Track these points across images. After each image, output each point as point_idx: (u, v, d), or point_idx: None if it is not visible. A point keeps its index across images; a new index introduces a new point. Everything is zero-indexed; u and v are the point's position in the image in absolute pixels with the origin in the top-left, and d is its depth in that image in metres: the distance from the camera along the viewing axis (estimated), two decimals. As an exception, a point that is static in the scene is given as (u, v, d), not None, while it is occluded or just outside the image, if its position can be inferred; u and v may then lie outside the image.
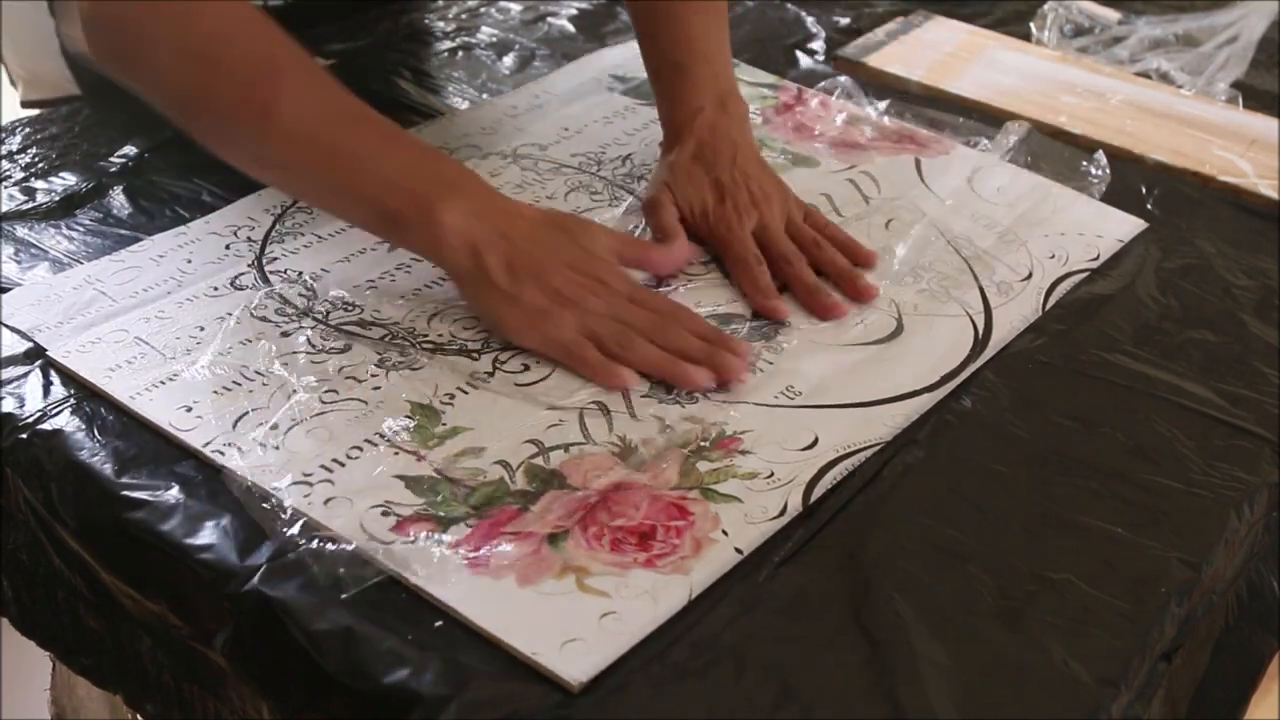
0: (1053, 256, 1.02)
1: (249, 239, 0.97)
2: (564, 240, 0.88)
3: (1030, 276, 0.99)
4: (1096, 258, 1.02)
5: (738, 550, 0.73)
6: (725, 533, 0.74)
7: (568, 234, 0.88)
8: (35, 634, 0.85)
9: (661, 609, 0.69)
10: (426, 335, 0.87)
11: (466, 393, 0.83)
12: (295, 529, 0.72)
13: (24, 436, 0.79)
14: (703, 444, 0.80)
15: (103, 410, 0.81)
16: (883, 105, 1.20)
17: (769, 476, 0.78)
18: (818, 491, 0.77)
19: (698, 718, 0.64)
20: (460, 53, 1.29)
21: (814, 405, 0.84)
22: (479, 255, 0.84)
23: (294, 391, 0.81)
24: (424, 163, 0.88)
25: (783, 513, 0.76)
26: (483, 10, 1.37)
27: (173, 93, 0.86)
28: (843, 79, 1.22)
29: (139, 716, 0.90)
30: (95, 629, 0.80)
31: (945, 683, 0.67)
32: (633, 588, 0.70)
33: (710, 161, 1.01)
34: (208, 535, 0.72)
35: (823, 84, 1.22)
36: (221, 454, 0.77)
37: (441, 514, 0.73)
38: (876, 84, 1.28)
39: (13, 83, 1.27)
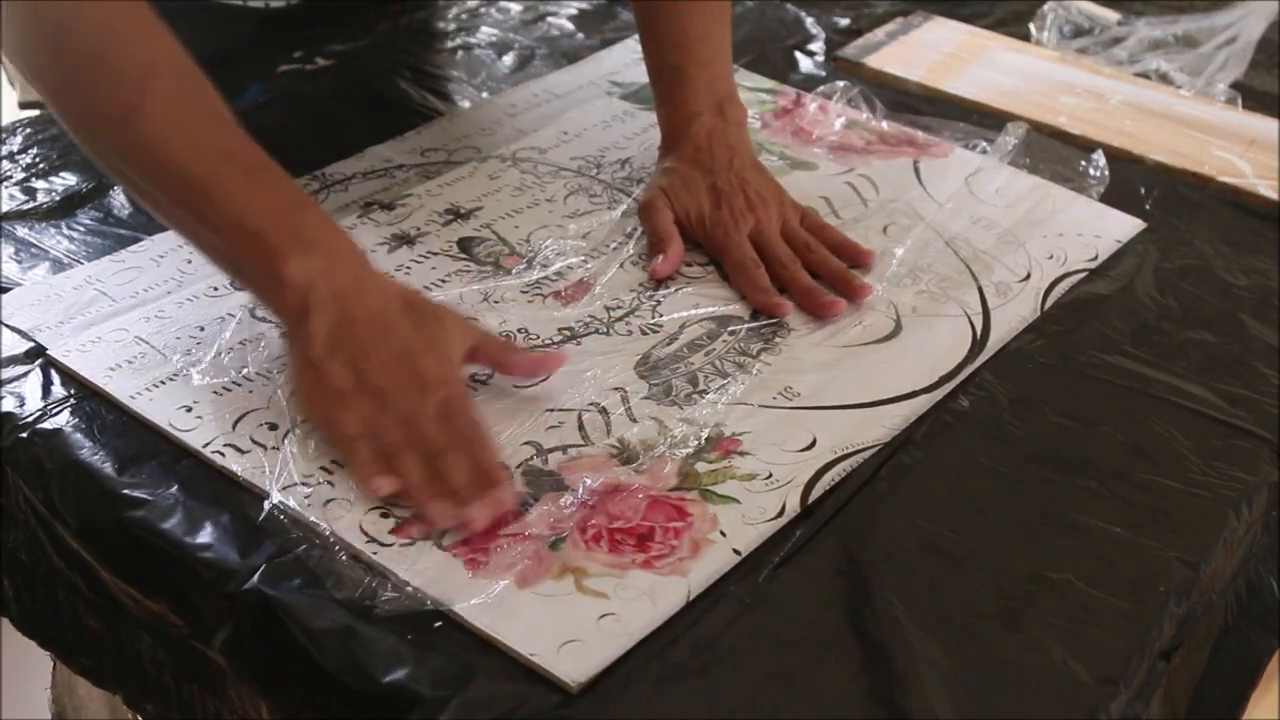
0: (1051, 257, 1.02)
1: (249, 239, 0.97)
2: (407, 329, 0.80)
3: (1029, 277, 0.99)
4: (1095, 258, 1.02)
5: (736, 551, 0.73)
6: (723, 534, 0.74)
7: (415, 322, 0.81)
8: (35, 634, 0.85)
9: (660, 610, 0.69)
10: (426, 336, 0.87)
11: (465, 394, 0.83)
12: (295, 531, 0.72)
13: (24, 435, 0.79)
14: (701, 445, 0.80)
15: (103, 410, 0.81)
16: (881, 110, 1.20)
17: (767, 478, 0.78)
18: (816, 492, 0.78)
19: (697, 718, 0.64)
20: (460, 52, 1.29)
21: (812, 406, 0.84)
22: (305, 318, 0.78)
23: (294, 392, 0.81)
24: (285, 211, 0.81)
25: (781, 514, 0.76)
26: (483, 10, 1.38)
27: (45, 85, 0.81)
28: (841, 83, 1.22)
29: (139, 717, 0.90)
30: (95, 629, 0.80)
31: (944, 683, 0.67)
32: (631, 589, 0.70)
33: (707, 166, 1.02)
34: (208, 534, 0.73)
35: (821, 88, 1.22)
36: (221, 454, 0.77)
37: (440, 515, 0.74)
38: (876, 85, 1.28)
39: (11, 83, 1.27)
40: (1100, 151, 1.14)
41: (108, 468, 0.77)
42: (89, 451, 0.78)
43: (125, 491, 0.75)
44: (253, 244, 0.79)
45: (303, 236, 0.79)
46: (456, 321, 0.84)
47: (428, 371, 0.79)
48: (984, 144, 1.15)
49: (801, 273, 0.96)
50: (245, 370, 0.83)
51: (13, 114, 1.19)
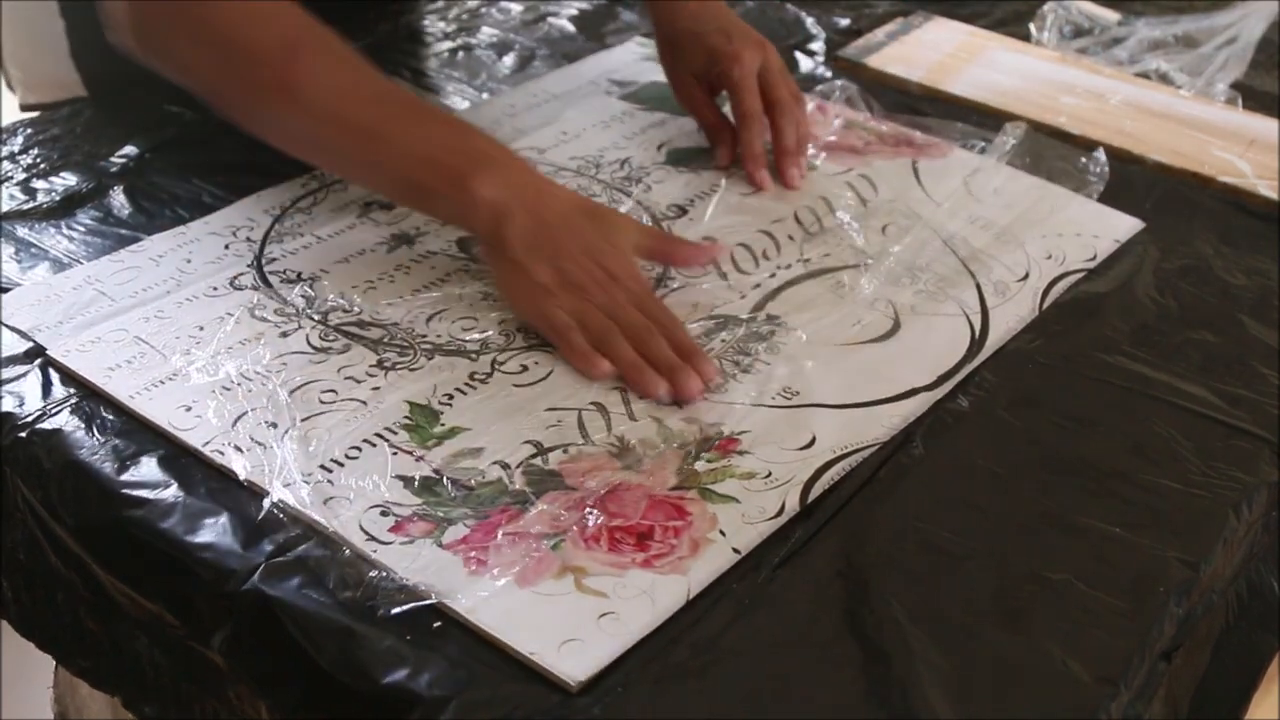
0: (1049, 257, 1.02)
1: (248, 239, 0.97)
2: (589, 228, 0.90)
3: (1027, 277, 0.99)
4: (1094, 258, 1.02)
5: (735, 551, 0.73)
6: (723, 533, 0.74)
7: (594, 223, 0.91)
8: (34, 635, 0.85)
9: (660, 609, 0.69)
10: (425, 336, 0.88)
11: (465, 393, 0.83)
12: (295, 529, 0.72)
13: (23, 435, 0.79)
14: (700, 444, 0.80)
15: (102, 410, 0.81)
16: (879, 110, 1.20)
17: (767, 476, 0.78)
18: (815, 491, 0.78)
19: (697, 718, 0.64)
20: (460, 53, 1.29)
21: (811, 405, 0.84)
22: (501, 225, 0.88)
23: (293, 391, 0.82)
24: (455, 137, 0.92)
25: (780, 513, 0.76)
26: (483, 10, 1.38)
27: (200, 80, 0.92)
28: (840, 83, 1.22)
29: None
30: (93, 630, 0.80)
31: (944, 683, 0.67)
32: (631, 588, 0.70)
33: (703, 29, 1.13)
34: (207, 534, 0.72)
35: (820, 88, 1.22)
36: (221, 453, 0.77)
37: (440, 514, 0.74)
38: (876, 85, 1.28)
39: (10, 87, 1.27)
40: (1100, 151, 1.14)
41: (107, 468, 0.77)
42: (88, 451, 0.78)
43: (124, 491, 0.75)
44: (437, 172, 0.89)
45: (480, 156, 0.90)
46: (626, 221, 0.95)
47: (615, 265, 0.89)
48: (982, 144, 1.16)
49: (790, 131, 1.09)
50: (245, 370, 0.83)
51: (13, 114, 1.19)
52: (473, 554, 0.71)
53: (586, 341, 0.86)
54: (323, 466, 0.76)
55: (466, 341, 0.87)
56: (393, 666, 0.65)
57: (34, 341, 0.86)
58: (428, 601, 0.68)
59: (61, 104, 1.20)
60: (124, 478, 0.76)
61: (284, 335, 0.87)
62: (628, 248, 0.92)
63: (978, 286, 0.97)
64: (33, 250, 0.95)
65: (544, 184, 0.93)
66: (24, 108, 1.26)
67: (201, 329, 0.87)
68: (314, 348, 0.86)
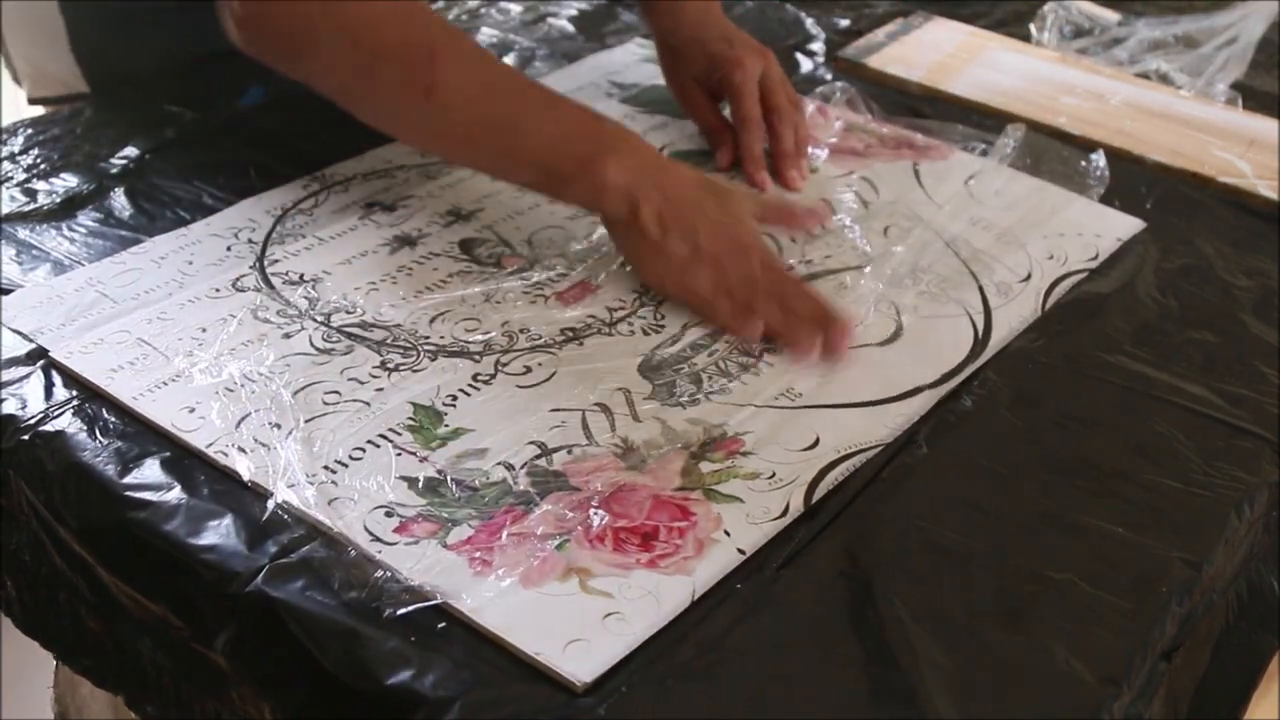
0: (1051, 257, 1.02)
1: (250, 241, 0.97)
2: (712, 202, 0.94)
3: (1029, 277, 0.99)
4: (1095, 257, 1.03)
5: (740, 551, 0.73)
6: (727, 533, 0.74)
7: (715, 197, 0.95)
8: (37, 634, 0.85)
9: (665, 609, 0.69)
10: (428, 337, 0.88)
11: (469, 394, 0.83)
12: (300, 525, 0.72)
13: (26, 438, 0.79)
14: (704, 445, 0.80)
15: (105, 411, 0.81)
16: (878, 112, 1.20)
17: (771, 477, 0.78)
18: (819, 492, 0.78)
19: (701, 718, 0.64)
20: (460, 54, 1.29)
21: (815, 405, 0.84)
22: (635, 207, 0.92)
23: (296, 393, 0.82)
24: (585, 125, 0.96)
25: (785, 513, 0.76)
26: (483, 11, 1.38)
27: (337, 82, 0.94)
28: (840, 85, 1.23)
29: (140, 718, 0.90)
30: (96, 630, 0.79)
31: (947, 683, 0.67)
32: (636, 588, 0.70)
33: (705, 35, 1.16)
34: (210, 536, 0.72)
35: (820, 90, 1.23)
36: (225, 455, 0.77)
37: (444, 515, 0.74)
38: (876, 85, 1.28)
39: (17, 80, 1.27)
40: (1100, 152, 1.14)
41: (110, 470, 0.77)
42: (91, 453, 0.78)
43: (127, 493, 0.75)
44: (569, 159, 0.94)
45: (610, 143, 0.94)
46: (742, 193, 1.04)
47: (743, 236, 0.94)
48: (982, 146, 1.16)
49: (789, 135, 1.12)
50: (248, 371, 0.83)
51: (13, 115, 1.19)
52: (477, 555, 0.71)
53: (734, 308, 0.91)
54: (327, 467, 0.76)
55: (469, 343, 0.87)
56: (397, 667, 0.65)
57: (36, 344, 0.86)
58: (433, 602, 0.68)
59: (67, 99, 1.21)
60: (127, 480, 0.76)
61: (287, 337, 0.87)
62: (747, 217, 0.96)
63: (980, 287, 0.97)
64: (34, 252, 0.95)
65: (667, 164, 0.97)
66: (32, 101, 1.26)
67: (204, 330, 0.87)
68: (317, 349, 0.86)
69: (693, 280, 0.92)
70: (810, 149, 1.14)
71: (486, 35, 1.32)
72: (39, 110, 1.20)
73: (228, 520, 0.73)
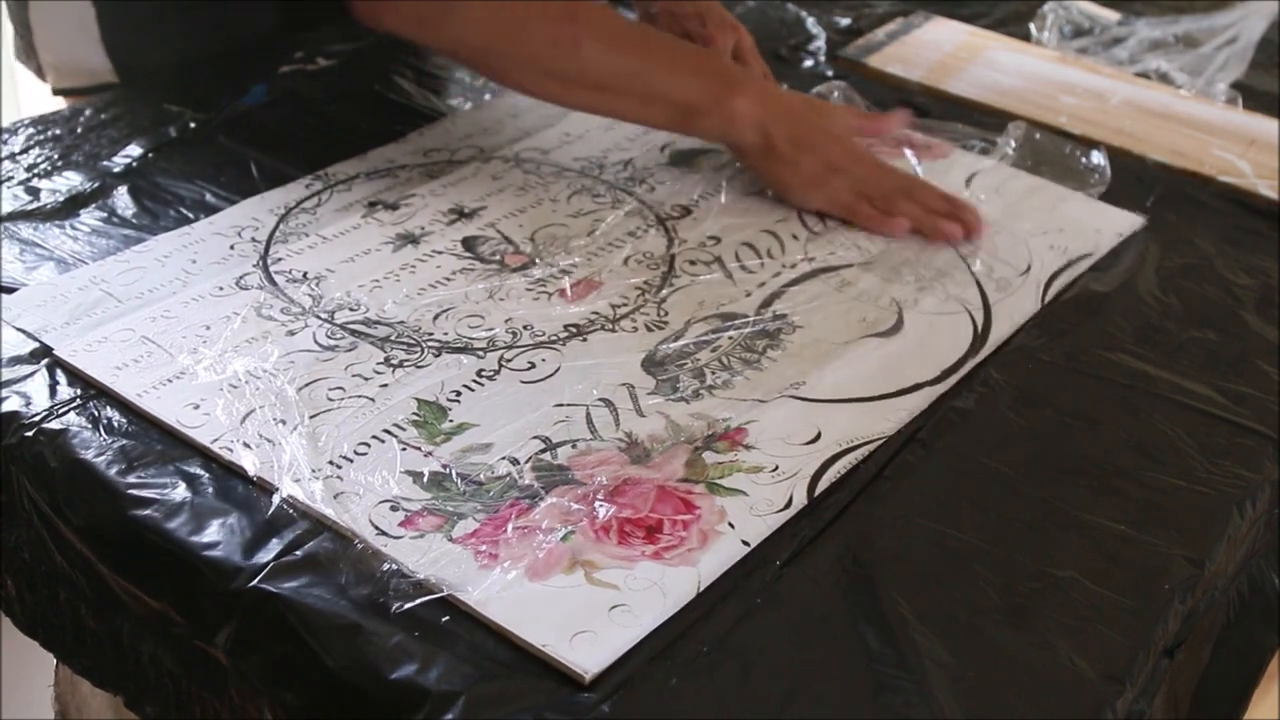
0: (1052, 248, 1.02)
1: (253, 239, 0.97)
2: (824, 120, 1.08)
3: (1029, 270, 1.00)
4: (1096, 250, 1.03)
5: (745, 543, 0.73)
6: (731, 525, 0.74)
7: (823, 116, 1.09)
8: (37, 634, 0.85)
9: (670, 601, 0.69)
10: (432, 334, 0.88)
11: (473, 390, 0.83)
12: (304, 522, 0.72)
13: (29, 435, 0.79)
14: (708, 439, 0.80)
15: (108, 409, 0.81)
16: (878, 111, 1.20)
17: (774, 470, 0.78)
18: (822, 485, 0.78)
19: (705, 716, 0.64)
20: (462, 53, 1.29)
21: (817, 399, 0.85)
22: (767, 132, 1.03)
23: (301, 389, 0.82)
24: (709, 63, 1.08)
25: (788, 505, 0.76)
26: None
27: (481, 43, 1.03)
28: (839, 84, 1.23)
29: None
30: (95, 629, 0.79)
31: (950, 681, 0.67)
32: (641, 580, 0.70)
33: (680, 11, 1.22)
34: (213, 533, 0.72)
35: (818, 89, 1.23)
36: (230, 450, 0.77)
37: (450, 509, 0.74)
38: (877, 85, 1.28)
39: (40, 73, 1.27)
40: (1101, 150, 1.15)
41: (113, 467, 0.77)
42: (94, 451, 0.78)
43: (130, 491, 0.75)
44: (703, 97, 1.04)
45: (734, 79, 1.06)
46: (837, 108, 1.15)
47: (855, 146, 1.07)
48: (981, 144, 1.16)
49: None
50: (252, 368, 0.83)
51: (14, 115, 1.19)
52: (483, 548, 0.71)
53: (874, 210, 1.02)
54: (332, 462, 0.76)
55: (473, 339, 0.88)
56: (400, 663, 0.65)
57: (40, 342, 0.85)
58: (439, 595, 0.68)
59: (94, 89, 1.21)
60: (130, 478, 0.76)
61: (291, 334, 0.87)
62: (847, 131, 1.09)
63: (979, 284, 0.98)
64: (37, 250, 0.95)
65: (779, 92, 1.11)
66: (56, 93, 1.27)
67: (208, 328, 0.87)
68: (321, 346, 0.86)
69: (834, 191, 1.03)
70: None
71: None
72: (37, 111, 1.20)
73: (231, 518, 0.73)
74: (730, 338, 0.90)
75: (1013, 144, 1.15)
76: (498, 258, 0.97)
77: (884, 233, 1.02)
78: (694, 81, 1.04)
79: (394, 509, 0.74)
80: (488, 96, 1.21)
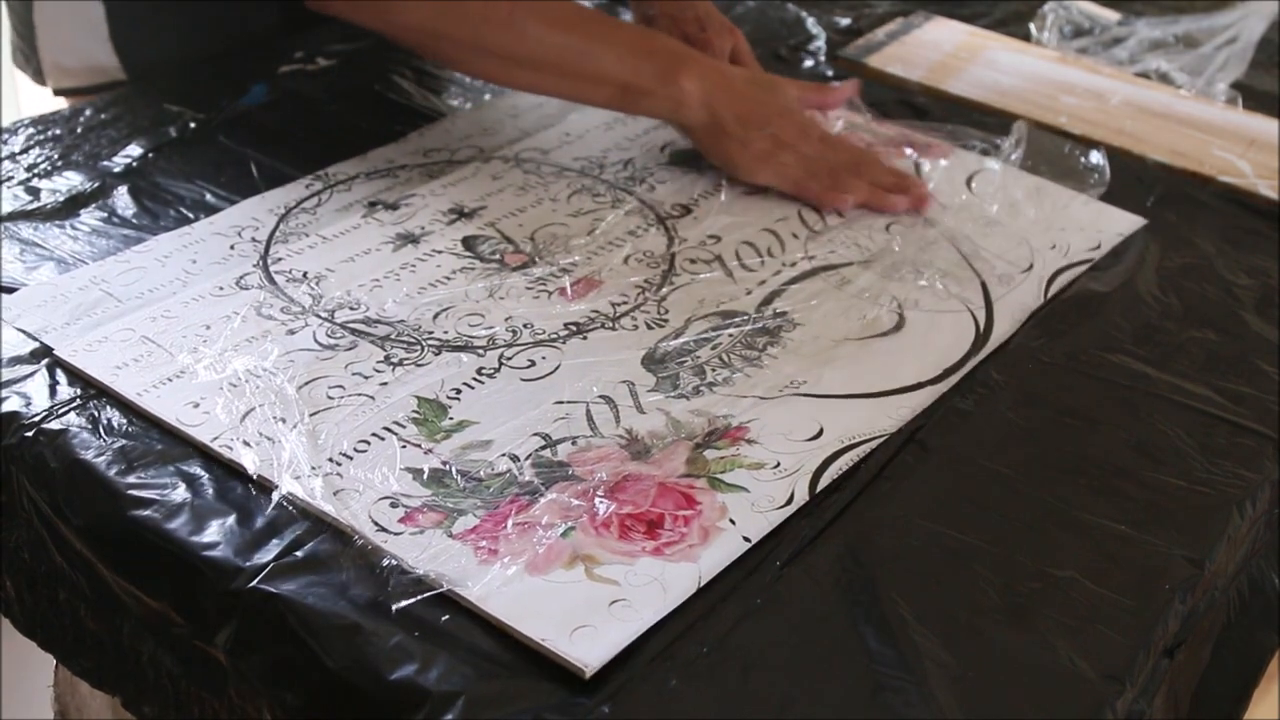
0: (1054, 247, 1.03)
1: (253, 239, 0.97)
2: (770, 95, 1.07)
3: (1031, 268, 1.00)
4: (1098, 247, 1.03)
5: (746, 539, 0.73)
6: (733, 521, 0.74)
7: (769, 91, 1.08)
8: (36, 634, 0.85)
9: (671, 596, 0.69)
10: (432, 333, 0.88)
11: (473, 388, 0.83)
12: (304, 523, 0.72)
13: (29, 435, 0.79)
14: (709, 435, 0.80)
15: (109, 409, 0.81)
16: (875, 114, 1.20)
17: (775, 466, 0.78)
18: (824, 481, 0.78)
19: (705, 716, 0.64)
20: (462, 54, 1.29)
21: (819, 395, 0.85)
22: (715, 111, 1.04)
23: (301, 387, 0.82)
24: (653, 43, 1.08)
25: (789, 501, 0.76)
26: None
27: (422, 26, 1.04)
28: (838, 85, 1.23)
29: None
30: (95, 629, 0.79)
31: (950, 681, 0.67)
32: (642, 575, 0.70)
33: (679, 14, 1.22)
34: (213, 533, 0.72)
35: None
36: (230, 448, 0.77)
37: (450, 505, 0.74)
38: (877, 85, 1.28)
39: (39, 76, 1.27)
40: (1101, 150, 1.15)
41: (113, 468, 0.77)
42: (94, 451, 0.78)
43: (130, 491, 0.75)
44: (647, 76, 1.04)
45: (679, 57, 1.05)
46: (785, 81, 1.13)
47: (803, 121, 1.08)
48: (981, 145, 1.16)
49: None
50: (252, 367, 0.83)
51: (14, 115, 1.19)
52: (483, 543, 0.71)
53: (823, 186, 1.04)
54: (331, 460, 0.76)
55: (473, 337, 0.88)
56: (400, 663, 0.65)
57: (40, 342, 0.85)
58: (439, 590, 0.68)
59: (98, 89, 1.21)
60: (130, 478, 0.76)
61: (291, 333, 0.87)
62: (795, 104, 1.09)
63: (981, 282, 0.98)
64: (37, 250, 0.95)
65: (726, 68, 1.10)
66: (57, 93, 1.26)
67: (208, 328, 0.87)
68: (321, 344, 0.86)
69: (782, 167, 1.05)
70: None
71: (488, 35, 1.33)
72: (37, 111, 1.20)
73: (231, 518, 0.73)
74: (730, 335, 0.90)
75: (1015, 145, 1.15)
76: (498, 257, 0.97)
77: (831, 208, 1.04)
78: (638, 61, 1.04)
79: (394, 505, 0.73)
80: (488, 97, 1.21)
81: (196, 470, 0.76)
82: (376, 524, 0.72)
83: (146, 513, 0.74)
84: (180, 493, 0.75)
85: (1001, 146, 1.15)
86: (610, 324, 0.90)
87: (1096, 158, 1.14)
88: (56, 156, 1.07)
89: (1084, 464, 0.83)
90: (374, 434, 0.79)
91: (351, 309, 0.90)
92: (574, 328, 0.90)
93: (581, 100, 1.10)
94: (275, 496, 0.74)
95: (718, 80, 1.05)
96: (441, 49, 1.07)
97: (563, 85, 1.07)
